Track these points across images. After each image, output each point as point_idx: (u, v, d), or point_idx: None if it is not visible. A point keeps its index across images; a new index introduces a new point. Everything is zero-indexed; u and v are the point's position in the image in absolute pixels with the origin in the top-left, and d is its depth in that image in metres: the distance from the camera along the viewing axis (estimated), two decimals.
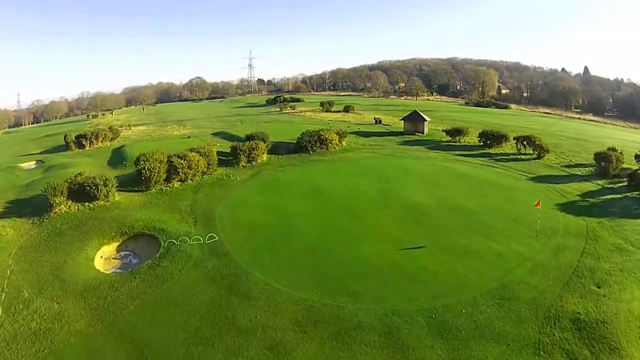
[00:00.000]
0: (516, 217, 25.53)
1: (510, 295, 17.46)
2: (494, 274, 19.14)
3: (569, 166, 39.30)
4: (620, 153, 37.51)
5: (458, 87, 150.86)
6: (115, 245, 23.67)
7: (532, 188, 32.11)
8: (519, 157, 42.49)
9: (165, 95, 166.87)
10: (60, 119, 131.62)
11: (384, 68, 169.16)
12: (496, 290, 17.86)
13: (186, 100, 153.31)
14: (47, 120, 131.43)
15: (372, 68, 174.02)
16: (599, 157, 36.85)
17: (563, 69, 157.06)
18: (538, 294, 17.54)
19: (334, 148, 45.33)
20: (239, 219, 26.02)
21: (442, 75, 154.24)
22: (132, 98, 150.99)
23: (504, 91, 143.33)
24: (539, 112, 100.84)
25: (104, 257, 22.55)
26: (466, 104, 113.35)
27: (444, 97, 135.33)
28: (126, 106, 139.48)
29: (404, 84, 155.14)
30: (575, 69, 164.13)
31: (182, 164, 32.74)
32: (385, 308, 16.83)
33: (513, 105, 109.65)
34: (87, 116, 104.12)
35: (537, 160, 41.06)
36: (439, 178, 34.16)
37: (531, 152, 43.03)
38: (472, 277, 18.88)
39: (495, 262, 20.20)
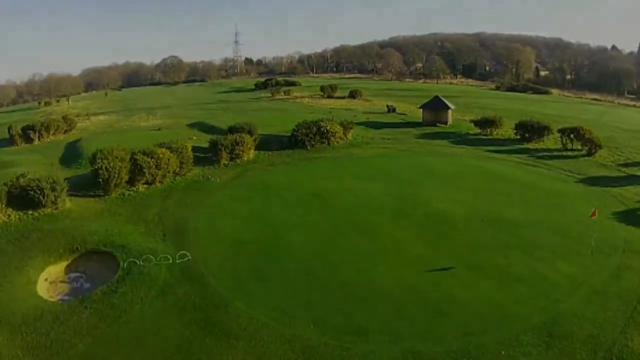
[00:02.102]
0: (565, 230, 24.96)
1: (561, 332, 16.69)
2: (540, 303, 18.40)
3: (626, 165, 38.98)
4: None
5: (487, 68, 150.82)
6: (63, 265, 22.98)
7: (583, 193, 31.70)
8: (564, 153, 42.31)
9: (134, 77, 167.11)
10: (6, 106, 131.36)
11: (398, 45, 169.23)
12: (543, 325, 17.08)
13: (158, 83, 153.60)
14: None
15: (383, 45, 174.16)
16: None
17: (614, 46, 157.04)
18: (596, 330, 16.81)
19: (337, 142, 45.02)
20: (219, 232, 25.49)
21: (468, 54, 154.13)
22: (94, 81, 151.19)
23: (542, 73, 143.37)
24: (586, 98, 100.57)
25: (49, 281, 21.85)
26: (497, 88, 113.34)
27: (470, 80, 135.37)
28: (86, 91, 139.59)
29: (421, 65, 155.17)
30: (629, 47, 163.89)
31: (148, 162, 32.33)
32: (403, 349, 15.97)
33: (554, 90, 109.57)
34: (39, 103, 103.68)
35: (587, 158, 40.86)
36: (467, 180, 33.79)
37: (579, 147, 42.85)
38: (513, 308, 18.11)
39: (541, 288, 19.49)
